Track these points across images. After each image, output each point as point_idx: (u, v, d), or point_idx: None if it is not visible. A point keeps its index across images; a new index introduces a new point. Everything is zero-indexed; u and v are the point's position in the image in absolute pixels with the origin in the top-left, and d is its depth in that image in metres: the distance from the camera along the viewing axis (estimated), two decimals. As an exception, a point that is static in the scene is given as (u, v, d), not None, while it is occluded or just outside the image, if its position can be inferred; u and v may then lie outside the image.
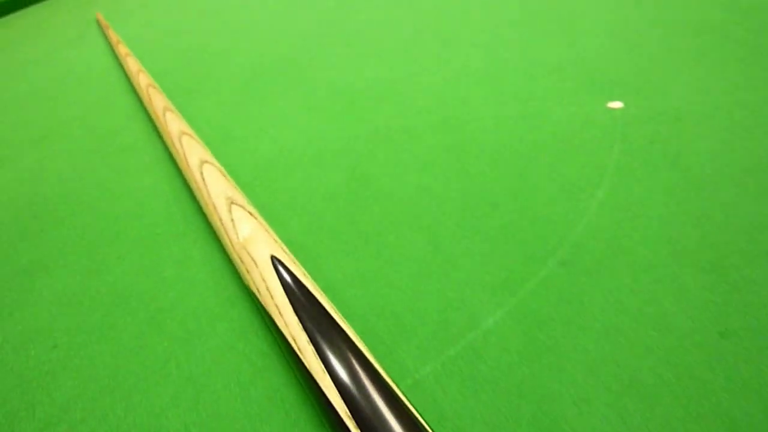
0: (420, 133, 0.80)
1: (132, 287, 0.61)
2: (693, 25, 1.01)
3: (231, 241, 0.57)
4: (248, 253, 0.54)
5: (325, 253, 0.61)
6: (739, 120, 0.71)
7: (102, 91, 1.21)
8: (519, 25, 1.15)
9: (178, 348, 0.52)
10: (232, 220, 0.59)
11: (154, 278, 0.61)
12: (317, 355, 0.42)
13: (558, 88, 0.87)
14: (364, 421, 0.36)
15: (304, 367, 0.42)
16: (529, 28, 1.13)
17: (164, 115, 0.89)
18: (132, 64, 1.19)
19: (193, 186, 0.70)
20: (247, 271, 0.52)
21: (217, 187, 0.65)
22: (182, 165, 0.75)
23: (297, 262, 0.52)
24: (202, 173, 0.69)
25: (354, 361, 0.41)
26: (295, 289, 0.48)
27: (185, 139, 0.79)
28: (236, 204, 0.61)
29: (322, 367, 0.41)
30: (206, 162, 0.71)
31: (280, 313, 0.46)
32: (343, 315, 0.51)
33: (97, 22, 1.85)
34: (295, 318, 0.45)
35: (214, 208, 0.62)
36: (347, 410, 0.37)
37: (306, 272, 0.51)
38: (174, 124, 0.84)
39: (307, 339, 0.43)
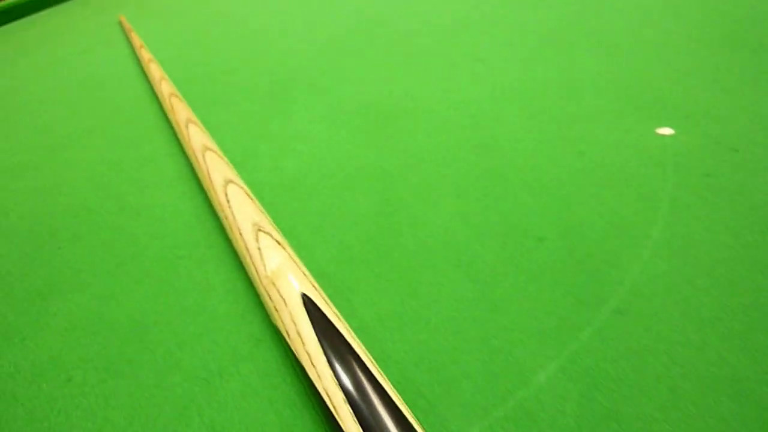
0: (454, 154, 0.76)
1: (150, 317, 0.57)
2: (747, 42, 0.96)
3: (258, 273, 0.53)
4: (277, 289, 0.50)
5: (357, 287, 0.57)
6: (804, 153, 0.66)
7: (123, 98, 1.18)
8: (554, 41, 1.11)
9: (198, 390, 0.48)
10: (259, 248, 0.55)
11: (174, 307, 0.58)
12: (355, 418, 0.37)
13: (600, 109, 0.82)
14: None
15: (340, 429, 0.37)
16: (565, 44, 1.08)
17: (187, 127, 0.86)
18: (155, 71, 1.17)
19: (217, 207, 0.67)
20: (276, 310, 0.48)
21: (242, 210, 0.62)
22: (205, 182, 0.72)
23: (329, 302, 0.48)
24: (226, 194, 0.65)
25: (395, 424, 0.37)
26: (329, 336, 0.44)
27: (209, 155, 0.75)
28: (263, 231, 0.57)
29: (360, 430, 0.37)
30: (231, 182, 0.68)
31: (312, 363, 0.42)
32: (378, 361, 0.47)
33: (121, 24, 1.84)
34: (330, 371, 0.41)
35: (240, 234, 0.59)
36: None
37: (338, 313, 0.47)
38: (197, 138, 0.81)
39: (344, 397, 0.39)
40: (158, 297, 0.60)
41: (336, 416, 0.38)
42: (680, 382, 0.42)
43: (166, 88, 1.06)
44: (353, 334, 0.45)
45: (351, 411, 0.38)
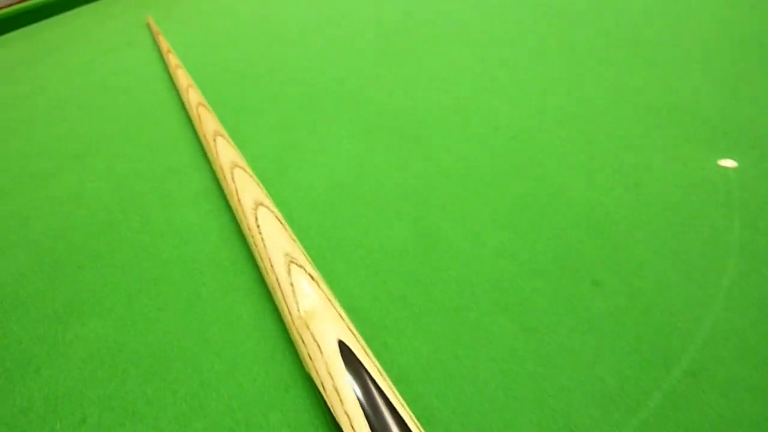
0: (494, 178, 0.71)
1: (172, 350, 0.53)
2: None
3: (290, 312, 0.49)
4: (311, 333, 0.45)
5: (394, 327, 0.52)
6: None
7: (149, 103, 1.15)
8: (597, 57, 1.05)
9: (223, 442, 0.44)
10: (292, 284, 0.51)
11: (198, 341, 0.54)
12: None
13: (655, 136, 0.76)
14: None
15: None
16: (612, 62, 1.02)
17: (215, 140, 0.82)
18: (182, 78, 1.14)
19: (246, 231, 0.63)
20: (310, 357, 0.44)
21: (274, 238, 0.57)
22: (233, 202, 0.68)
23: (368, 351, 0.44)
24: (256, 218, 0.61)
25: None
26: (371, 396, 0.39)
27: (237, 172, 0.71)
28: (296, 264, 0.53)
29: None
30: (261, 205, 0.64)
31: (352, 426, 0.38)
32: (421, 419, 0.42)
33: (148, 26, 1.82)
34: (373, 439, 0.36)
35: (271, 265, 0.54)
36: None
37: (379, 366, 0.43)
38: (225, 153, 0.77)
39: (390, 473, 0.34)
40: (181, 328, 0.56)
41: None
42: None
43: (193, 96, 1.02)
44: (396, 392, 0.41)
45: (398, 492, 0.33)
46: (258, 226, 0.60)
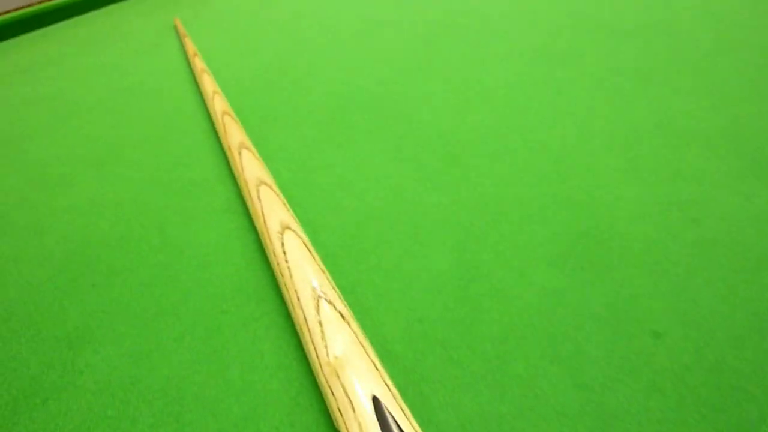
0: (540, 209, 0.66)
1: (189, 387, 0.49)
2: None
3: (318, 357, 0.44)
4: (341, 384, 0.41)
5: (432, 376, 0.47)
6: None
7: (174, 109, 1.12)
8: (647, 79, 0.99)
9: (241, 504, 0.39)
10: (320, 323, 0.46)
11: (216, 380, 0.49)
12: None
13: (712, 166, 0.70)
14: None
15: None
16: (661, 83, 0.96)
17: (240, 153, 0.78)
18: (207, 84, 1.10)
19: (271, 256, 0.58)
20: (340, 413, 0.39)
21: (302, 267, 0.53)
22: (258, 224, 0.64)
23: (407, 412, 0.39)
24: (283, 244, 0.57)
25: None
26: (412, 470, 0.34)
27: (264, 191, 0.67)
28: (326, 300, 0.49)
29: None
30: (288, 228, 0.59)
31: (390, 505, 0.33)
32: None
33: (175, 28, 1.80)
34: None
35: (297, 298, 0.50)
36: None
37: (418, 428, 0.38)
38: (251, 169, 0.73)
39: None
40: (198, 362, 0.51)
41: None
42: None
43: (218, 104, 0.99)
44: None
45: None
46: (284, 253, 0.56)
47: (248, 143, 0.81)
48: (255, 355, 0.51)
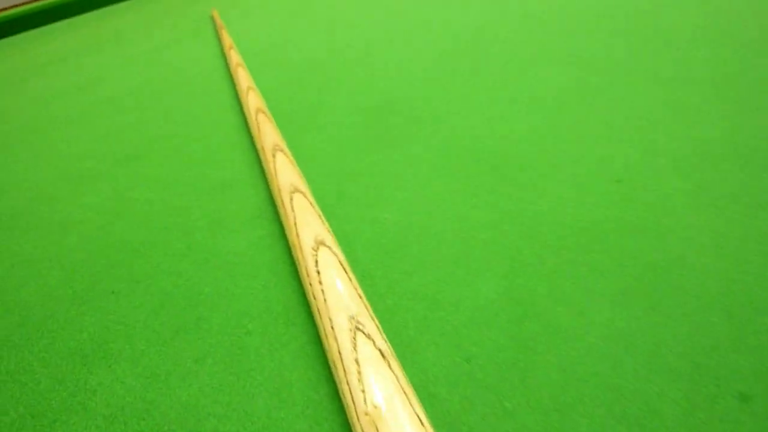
0: (600, 234, 0.59)
1: (208, 420, 0.44)
2: None
3: (354, 402, 0.39)
4: (381, 439, 0.35)
5: (481, 428, 0.41)
6: None
7: (206, 104, 1.08)
8: (716, 93, 0.91)
9: None
10: (357, 361, 0.41)
11: (238, 413, 0.44)
12: None
13: (798, 196, 0.63)
14: None
15: None
16: (732, 98, 0.88)
17: (274, 156, 0.73)
18: (242, 78, 1.06)
19: (303, 275, 0.53)
20: (379, 475, 0.34)
21: (338, 291, 0.48)
22: (291, 236, 0.59)
23: (458, 480, 0.33)
24: (317, 262, 0.52)
25: None
26: None
27: (298, 199, 0.62)
28: (364, 333, 0.43)
29: None
30: (323, 244, 0.54)
31: None
32: None
33: (213, 19, 1.77)
34: None
35: (332, 327, 0.45)
36: None
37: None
38: (285, 174, 0.68)
39: None
40: (219, 390, 0.47)
41: None
42: None
43: (253, 100, 0.94)
44: None
45: None
46: (318, 273, 0.51)
47: (283, 145, 0.77)
48: (282, 387, 0.46)
